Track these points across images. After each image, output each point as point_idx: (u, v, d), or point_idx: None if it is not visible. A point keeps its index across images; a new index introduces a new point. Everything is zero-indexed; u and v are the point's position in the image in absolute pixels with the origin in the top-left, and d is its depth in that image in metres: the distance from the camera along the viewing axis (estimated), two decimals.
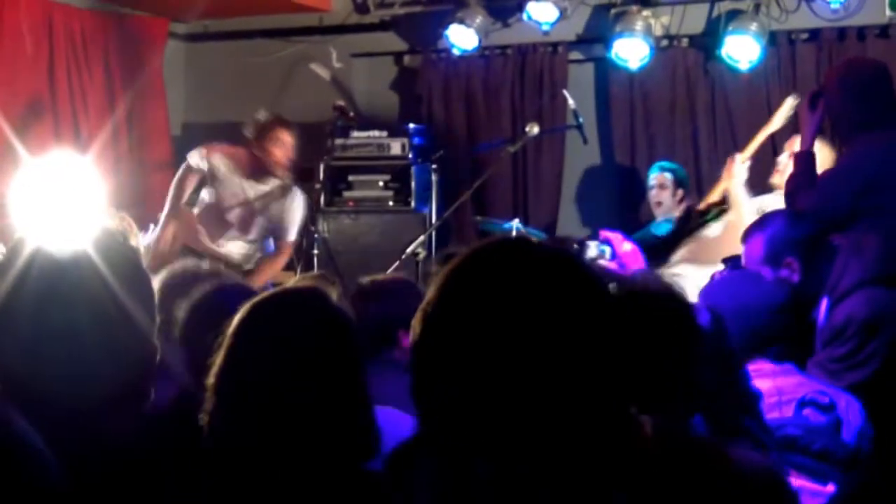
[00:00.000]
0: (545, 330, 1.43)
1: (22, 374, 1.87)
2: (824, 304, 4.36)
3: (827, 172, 4.73)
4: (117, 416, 1.90)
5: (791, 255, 4.20)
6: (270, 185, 6.28)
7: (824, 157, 5.10)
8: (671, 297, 2.42)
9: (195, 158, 6.28)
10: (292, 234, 6.31)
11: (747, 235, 4.36)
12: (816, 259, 4.30)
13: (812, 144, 4.78)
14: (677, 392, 2.29)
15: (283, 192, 6.29)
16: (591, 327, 1.46)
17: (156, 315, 2.12)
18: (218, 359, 2.02)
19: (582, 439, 1.44)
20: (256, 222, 6.35)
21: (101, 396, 1.88)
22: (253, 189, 6.30)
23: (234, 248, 6.38)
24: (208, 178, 6.30)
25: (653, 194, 6.70)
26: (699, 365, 2.39)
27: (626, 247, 5.12)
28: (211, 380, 2.01)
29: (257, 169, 6.26)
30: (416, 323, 1.51)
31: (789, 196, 4.75)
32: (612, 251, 5.19)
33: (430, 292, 1.52)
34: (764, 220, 4.44)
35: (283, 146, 6.25)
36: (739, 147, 6.91)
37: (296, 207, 6.30)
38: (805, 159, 4.76)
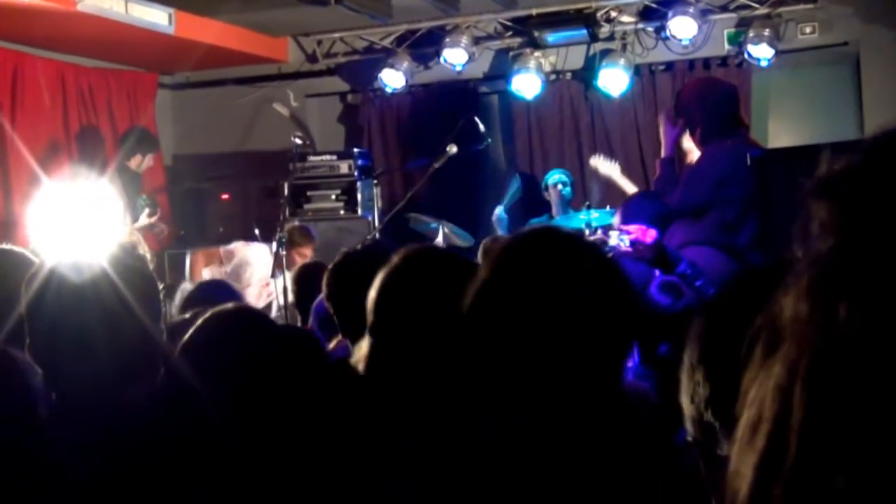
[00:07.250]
0: (574, 293, 1.55)
1: (48, 363, 2.07)
2: None
3: (688, 172, 5.09)
4: (129, 390, 2.04)
5: (644, 223, 4.49)
6: None
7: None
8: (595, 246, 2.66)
9: None
10: None
11: (618, 210, 4.99)
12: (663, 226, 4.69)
13: (672, 152, 5.21)
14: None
15: None
16: (605, 292, 1.58)
17: (161, 307, 2.29)
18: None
19: (586, 391, 1.54)
20: None
21: (110, 375, 2.03)
22: None
23: None
24: None
25: (552, 197, 7.50)
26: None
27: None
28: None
29: None
30: (470, 293, 1.59)
31: (659, 193, 5.23)
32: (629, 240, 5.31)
33: (482, 270, 1.62)
34: (627, 200, 5.05)
35: None
36: (614, 156, 7.94)
37: None
38: (668, 164, 5.22)
